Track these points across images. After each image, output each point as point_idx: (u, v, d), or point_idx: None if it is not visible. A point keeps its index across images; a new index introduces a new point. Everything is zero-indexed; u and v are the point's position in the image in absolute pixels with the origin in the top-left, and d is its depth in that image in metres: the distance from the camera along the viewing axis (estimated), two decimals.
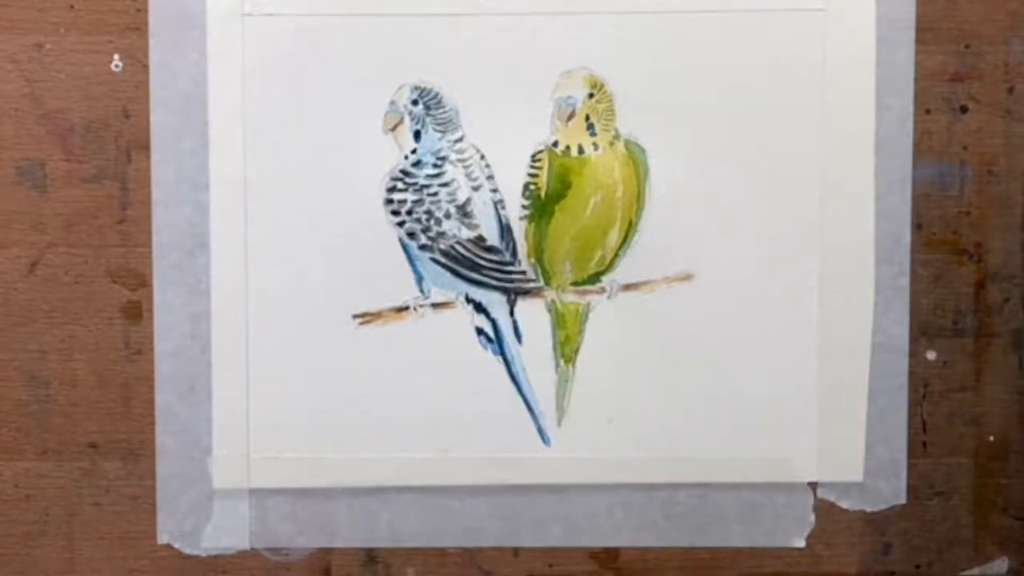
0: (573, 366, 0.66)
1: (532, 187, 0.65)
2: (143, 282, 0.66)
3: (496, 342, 0.66)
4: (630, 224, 0.65)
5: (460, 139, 0.65)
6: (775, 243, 0.66)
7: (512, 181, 0.65)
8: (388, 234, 0.65)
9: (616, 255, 0.66)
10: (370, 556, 0.68)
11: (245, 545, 0.67)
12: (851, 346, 0.66)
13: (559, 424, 0.67)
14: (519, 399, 0.66)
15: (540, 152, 0.65)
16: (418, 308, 0.66)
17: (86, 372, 0.67)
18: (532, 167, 0.65)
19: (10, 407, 0.67)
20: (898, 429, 0.67)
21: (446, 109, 0.65)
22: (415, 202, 0.65)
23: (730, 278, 0.66)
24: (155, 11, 0.65)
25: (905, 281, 0.66)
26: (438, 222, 0.65)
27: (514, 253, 0.66)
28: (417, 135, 0.65)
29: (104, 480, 0.67)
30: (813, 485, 0.67)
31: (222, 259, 0.65)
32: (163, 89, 0.65)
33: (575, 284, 0.66)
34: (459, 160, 0.65)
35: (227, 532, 0.67)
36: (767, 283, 0.66)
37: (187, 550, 0.67)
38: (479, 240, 0.66)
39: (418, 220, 0.65)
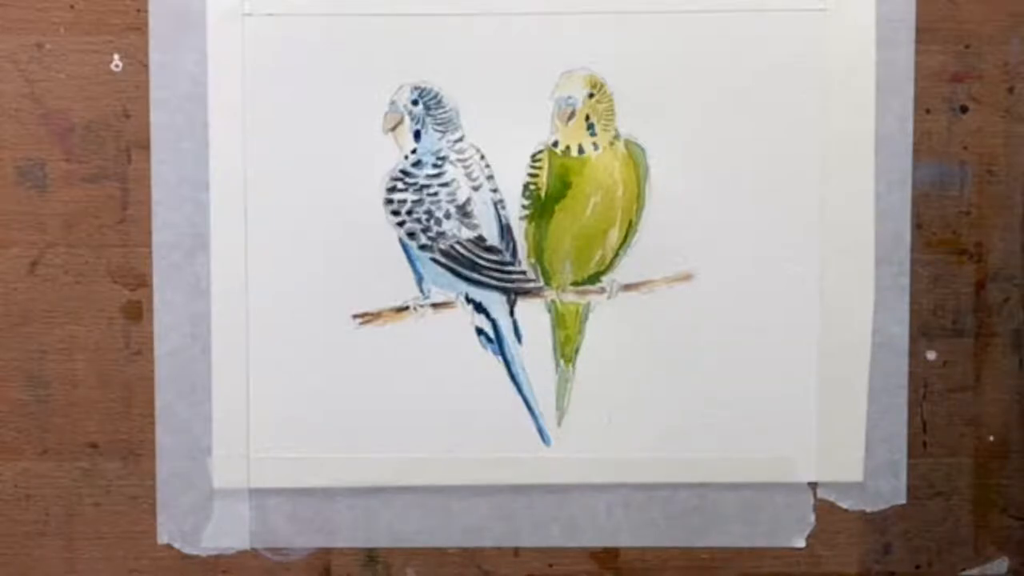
0: (573, 366, 0.66)
1: (532, 187, 0.65)
2: (143, 282, 0.66)
3: (496, 342, 0.66)
4: (630, 224, 0.65)
5: (460, 139, 0.65)
6: (775, 243, 0.66)
7: (512, 181, 0.65)
8: (388, 234, 0.65)
9: (616, 255, 0.66)
10: (370, 556, 0.68)
11: (245, 545, 0.67)
12: (851, 346, 0.66)
13: (559, 424, 0.66)
14: (519, 399, 0.66)
15: (540, 152, 0.65)
16: (418, 308, 0.66)
17: (86, 372, 0.67)
18: (532, 167, 0.65)
19: (10, 407, 0.67)
20: (898, 429, 0.67)
21: (446, 109, 0.65)
22: (415, 202, 0.65)
23: (730, 278, 0.66)
24: (155, 11, 0.65)
25: (905, 281, 0.66)
26: (438, 222, 0.65)
27: (514, 253, 0.66)
28: (417, 135, 0.65)
29: (104, 480, 0.67)
30: (813, 485, 0.67)
31: (222, 259, 0.65)
32: (163, 89, 0.65)
33: (575, 284, 0.66)
34: (459, 160, 0.65)
35: (227, 532, 0.67)
36: (767, 283, 0.66)
37: (187, 550, 0.67)
38: (479, 240, 0.66)
39: (418, 220, 0.65)
